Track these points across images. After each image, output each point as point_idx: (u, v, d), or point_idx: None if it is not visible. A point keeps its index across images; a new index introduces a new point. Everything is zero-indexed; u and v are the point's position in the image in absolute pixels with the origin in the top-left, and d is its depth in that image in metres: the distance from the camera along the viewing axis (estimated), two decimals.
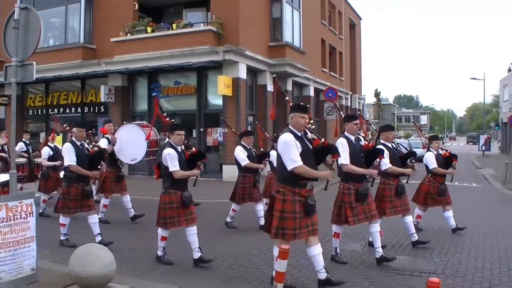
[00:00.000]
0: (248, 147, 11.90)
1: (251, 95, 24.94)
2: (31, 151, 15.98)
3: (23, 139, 16.07)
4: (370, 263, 8.66)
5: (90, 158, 9.90)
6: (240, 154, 11.67)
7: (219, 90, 21.92)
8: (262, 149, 13.04)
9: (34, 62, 8.13)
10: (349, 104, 45.85)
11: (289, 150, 6.62)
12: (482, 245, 10.09)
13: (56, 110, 27.64)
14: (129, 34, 23.83)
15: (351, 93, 46.60)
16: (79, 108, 27.08)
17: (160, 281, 7.60)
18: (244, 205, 12.11)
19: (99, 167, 10.33)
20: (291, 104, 7.45)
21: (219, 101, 23.12)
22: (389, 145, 9.54)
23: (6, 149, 15.51)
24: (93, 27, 25.90)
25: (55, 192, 13.43)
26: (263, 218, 11.42)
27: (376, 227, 8.42)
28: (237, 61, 22.30)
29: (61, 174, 12.63)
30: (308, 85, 32.57)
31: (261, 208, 11.91)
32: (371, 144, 8.64)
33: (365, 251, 9.55)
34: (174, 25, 23.04)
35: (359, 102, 50.92)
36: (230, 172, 19.93)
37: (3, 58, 25.64)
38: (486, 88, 74.17)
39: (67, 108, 27.46)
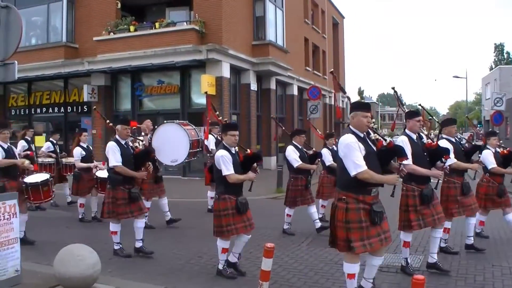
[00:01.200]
0: (300, 147, 11.12)
1: (234, 94, 24.93)
2: (58, 151, 15.37)
3: (51, 139, 15.62)
4: None
5: (135, 158, 9.15)
6: (292, 154, 10.92)
7: (202, 89, 21.83)
8: (314, 149, 12.26)
9: (16, 61, 8.07)
10: (332, 103, 45.92)
11: (351, 154, 5.97)
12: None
13: (38, 110, 27.64)
14: (111, 33, 23.75)
15: (334, 91, 46.58)
16: (62, 107, 26.97)
17: (145, 281, 7.56)
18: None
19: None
20: (351, 101, 6.98)
21: (202, 100, 22.94)
22: (453, 139, 9.07)
23: (34, 148, 14.84)
24: (75, 25, 25.81)
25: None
26: (318, 221, 11.22)
27: (440, 233, 7.96)
28: (220, 60, 22.30)
29: (98, 174, 12.48)
30: (292, 84, 32.65)
31: (314, 210, 11.21)
32: (435, 142, 8.02)
33: None
34: (157, 24, 23.01)
35: (342, 101, 50.95)
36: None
37: None
38: (468, 86, 74.76)
39: (50, 108, 27.36)
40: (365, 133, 6.30)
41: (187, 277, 7.89)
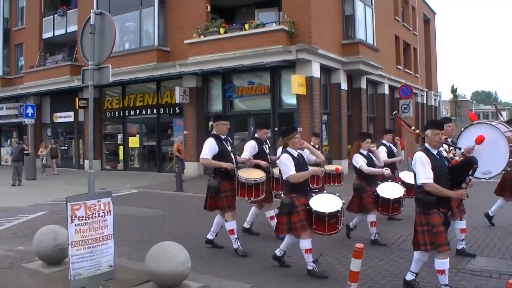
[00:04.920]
0: None
1: (324, 94, 24.78)
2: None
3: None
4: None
5: (452, 172, 6.92)
6: None
7: (293, 89, 21.88)
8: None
9: (110, 65, 8.35)
10: (424, 101, 45.04)
11: None
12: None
13: (132, 112, 28.47)
14: (202, 36, 24.03)
15: (426, 90, 45.78)
16: (154, 109, 27.71)
17: (234, 279, 7.66)
18: None
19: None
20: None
21: (293, 100, 23.08)
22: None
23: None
24: (167, 29, 26.41)
25: None
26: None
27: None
28: (310, 60, 22.20)
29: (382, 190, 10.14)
30: (383, 82, 32.18)
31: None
32: None
33: None
34: (246, 26, 23.11)
35: (435, 99, 49.95)
36: None
37: (81, 63, 26.51)
38: None
39: (143, 110, 28.17)
40: None
41: (275, 276, 7.89)
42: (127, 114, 29.01)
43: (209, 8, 25.05)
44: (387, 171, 10.31)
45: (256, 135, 10.78)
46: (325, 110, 24.73)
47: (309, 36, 22.40)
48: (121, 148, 29.58)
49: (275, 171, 10.32)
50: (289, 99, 23.46)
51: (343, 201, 8.03)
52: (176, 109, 26.66)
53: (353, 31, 26.06)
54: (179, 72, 24.80)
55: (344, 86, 25.60)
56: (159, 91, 27.60)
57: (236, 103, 25.39)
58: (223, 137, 9.33)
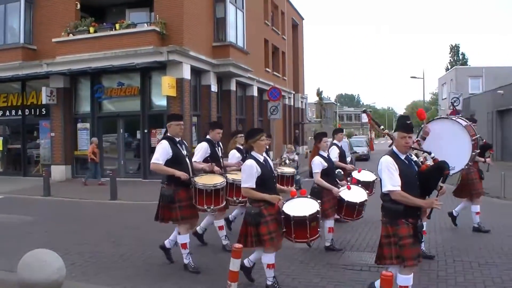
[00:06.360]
0: None
1: (195, 96, 24.87)
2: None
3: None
4: (321, 260, 8.77)
5: (422, 178, 6.13)
6: None
7: (163, 90, 21.80)
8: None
9: None
10: (292, 104, 46.21)
11: None
12: (427, 238, 10.28)
13: None
14: (71, 35, 23.44)
15: (294, 92, 47.03)
16: (19, 110, 26.48)
17: (110, 284, 7.54)
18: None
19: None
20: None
21: (163, 102, 23.01)
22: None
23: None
24: (34, 27, 25.35)
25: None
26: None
27: None
28: (181, 61, 22.22)
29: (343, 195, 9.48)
30: (252, 85, 32.77)
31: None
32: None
33: (315, 247, 9.61)
34: (117, 26, 22.80)
35: (302, 101, 51.40)
36: None
37: None
38: (425, 86, 76.03)
39: (7, 111, 26.81)
40: None
41: (152, 279, 7.86)
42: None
43: (78, 6, 24.39)
44: (337, 189, 9.50)
45: (208, 136, 9.82)
46: (195, 111, 24.80)
47: (181, 38, 22.44)
48: None
49: (229, 176, 9.31)
50: (160, 101, 23.42)
51: (319, 201, 7.42)
52: (43, 110, 25.69)
53: (224, 33, 26.34)
54: (46, 71, 23.97)
55: (214, 88, 25.82)
56: (25, 91, 26.42)
57: (105, 105, 24.92)
58: (177, 139, 8.32)
